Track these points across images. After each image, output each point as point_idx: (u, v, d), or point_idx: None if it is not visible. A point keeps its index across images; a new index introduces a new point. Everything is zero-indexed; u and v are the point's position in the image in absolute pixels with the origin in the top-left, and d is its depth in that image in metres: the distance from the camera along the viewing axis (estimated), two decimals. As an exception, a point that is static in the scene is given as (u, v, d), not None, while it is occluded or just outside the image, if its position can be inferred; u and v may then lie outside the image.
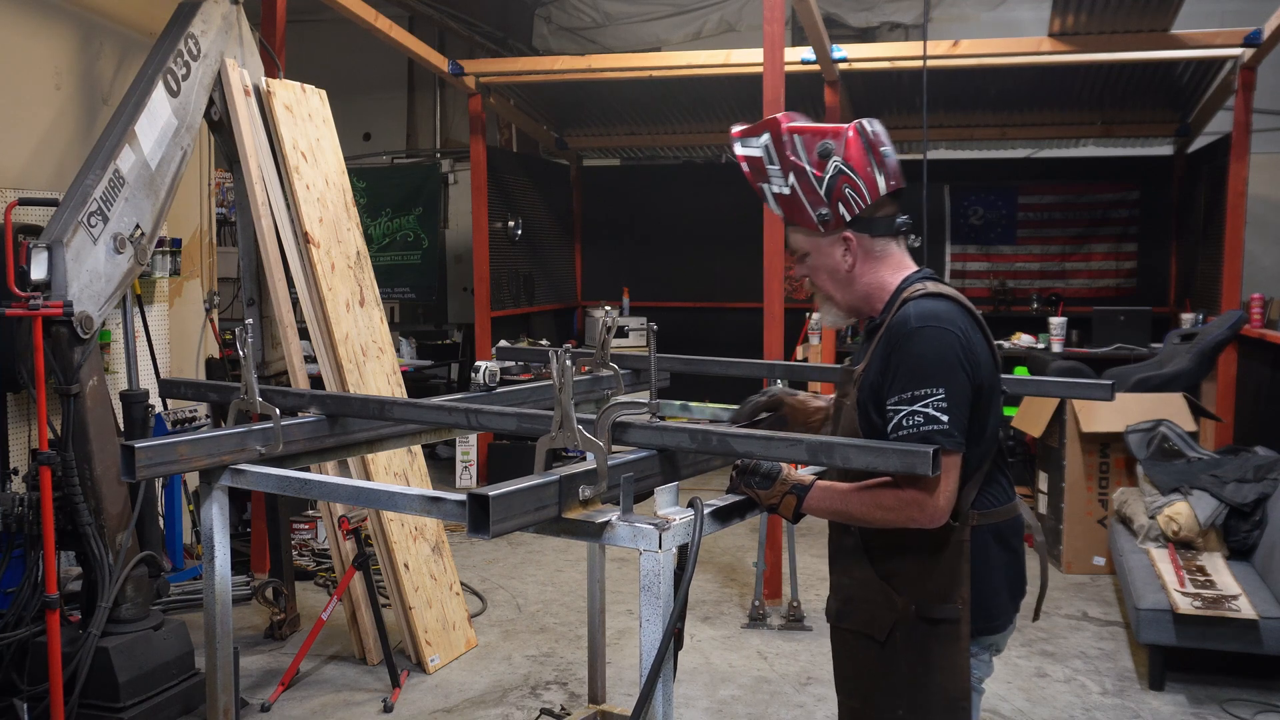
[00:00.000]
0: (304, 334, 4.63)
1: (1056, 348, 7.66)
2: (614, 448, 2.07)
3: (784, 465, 2.10)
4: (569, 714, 3.87)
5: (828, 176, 2.10)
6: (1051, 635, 4.88)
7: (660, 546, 1.87)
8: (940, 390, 1.96)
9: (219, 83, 4.42)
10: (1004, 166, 9.03)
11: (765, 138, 2.16)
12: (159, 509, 5.14)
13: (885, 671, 2.14)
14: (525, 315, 8.77)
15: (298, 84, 4.81)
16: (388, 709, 4.10)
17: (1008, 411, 6.10)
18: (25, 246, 3.63)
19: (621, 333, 8.52)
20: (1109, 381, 2.90)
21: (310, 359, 4.66)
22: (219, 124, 4.53)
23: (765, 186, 2.20)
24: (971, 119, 8.46)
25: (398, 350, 6.96)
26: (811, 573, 5.64)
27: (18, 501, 3.76)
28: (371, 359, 4.70)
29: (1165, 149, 8.60)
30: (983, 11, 9.14)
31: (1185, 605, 4.11)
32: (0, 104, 4.66)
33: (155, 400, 5.02)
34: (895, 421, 1.99)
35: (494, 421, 2.44)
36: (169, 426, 5.36)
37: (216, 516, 2.45)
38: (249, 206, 4.51)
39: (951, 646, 2.08)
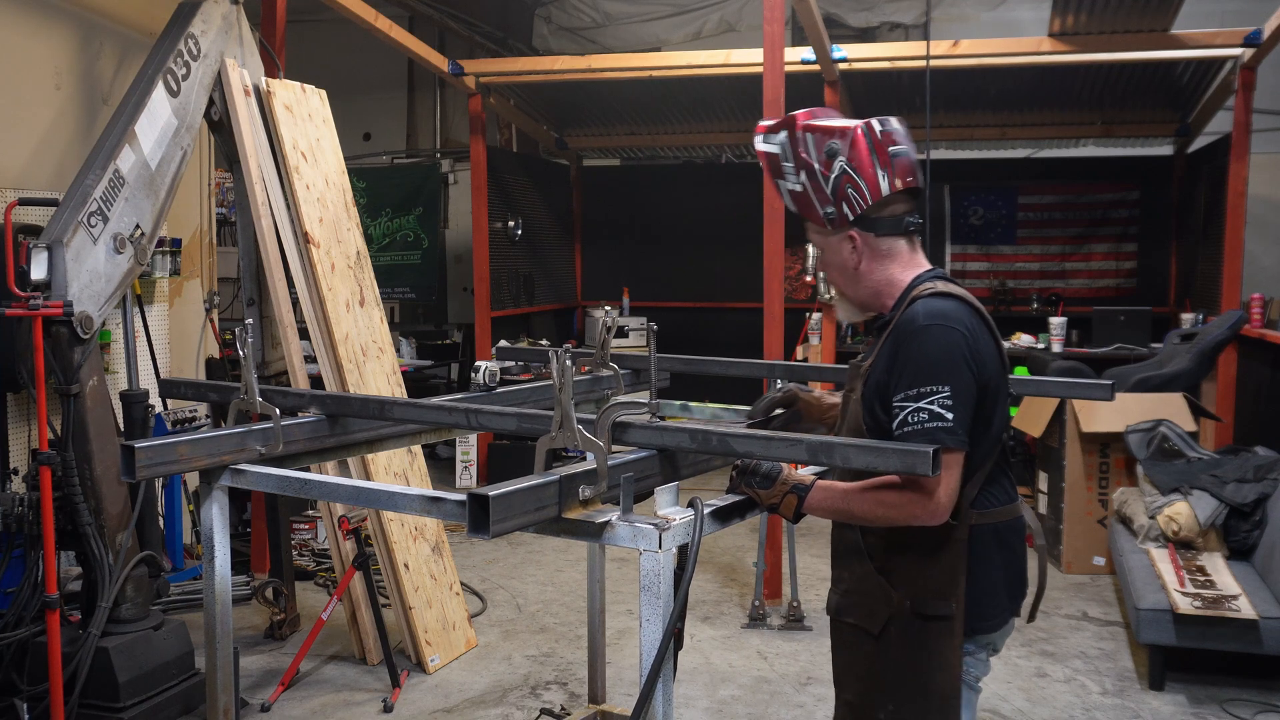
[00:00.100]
0: (304, 334, 4.63)
1: (1056, 348, 7.66)
2: (614, 448, 2.07)
3: (784, 465, 2.10)
4: (569, 714, 3.87)
5: (833, 176, 2.13)
6: (1051, 635, 4.88)
7: (660, 546, 1.87)
8: (946, 388, 1.98)
9: (219, 83, 4.42)
10: (1004, 166, 9.03)
11: (783, 135, 2.19)
12: (159, 509, 5.14)
13: (878, 666, 2.16)
14: (525, 315, 8.77)
15: (298, 84, 4.81)
16: (388, 709, 4.10)
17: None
18: (25, 246, 3.63)
19: (621, 333, 8.52)
20: (1109, 381, 2.90)
21: (310, 359, 4.66)
22: (219, 124, 4.53)
23: (781, 183, 2.22)
24: (971, 119, 8.45)
25: (398, 350, 6.96)
26: (811, 573, 5.64)
27: (18, 501, 3.76)
28: (371, 359, 4.70)
29: (1165, 149, 8.60)
30: (983, 11, 9.14)
31: (1185, 605, 4.11)
32: (0, 104, 4.66)
33: (155, 400, 5.02)
34: (901, 418, 2.00)
35: (494, 421, 2.44)
36: (169, 426, 5.36)
37: (216, 516, 2.45)
38: (249, 206, 4.51)
39: (945, 643, 2.10)
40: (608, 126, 9.33)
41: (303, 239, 4.53)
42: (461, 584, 5.02)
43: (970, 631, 2.13)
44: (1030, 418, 6.22)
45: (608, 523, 1.92)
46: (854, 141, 2.10)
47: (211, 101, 4.40)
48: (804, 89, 7.12)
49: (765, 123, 2.23)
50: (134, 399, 4.56)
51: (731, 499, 2.12)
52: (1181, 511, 4.84)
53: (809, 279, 8.03)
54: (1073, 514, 5.80)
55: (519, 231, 8.45)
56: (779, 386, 2.64)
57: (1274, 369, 6.13)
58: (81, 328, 3.61)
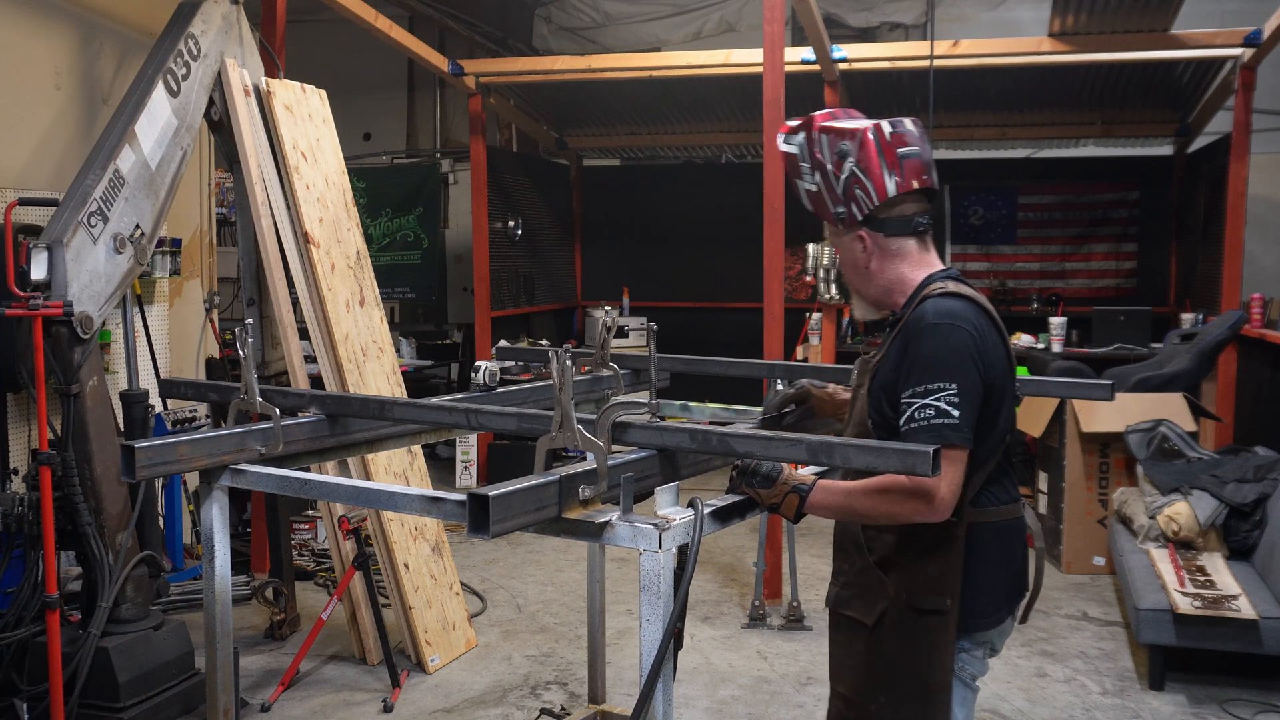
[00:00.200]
0: (304, 334, 4.63)
1: (1056, 348, 7.66)
2: (614, 448, 2.07)
3: (785, 465, 2.11)
4: (569, 714, 3.87)
5: (843, 177, 2.17)
6: (1051, 635, 4.88)
7: (660, 546, 1.87)
8: (953, 385, 2.01)
9: (219, 83, 4.42)
10: (1004, 166, 9.03)
11: (801, 136, 2.23)
12: (159, 509, 5.14)
13: (872, 658, 2.19)
14: (525, 315, 8.77)
15: (298, 84, 4.81)
16: (388, 709, 4.10)
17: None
18: (25, 246, 3.63)
19: (621, 333, 8.52)
20: (1109, 381, 2.91)
21: (310, 359, 4.66)
22: (219, 124, 4.52)
23: (799, 183, 2.27)
24: (971, 119, 8.45)
25: (398, 350, 6.96)
26: (811, 573, 5.64)
27: (18, 501, 3.76)
28: (371, 359, 4.70)
29: (1165, 149, 8.60)
30: (983, 11, 9.14)
31: (1185, 605, 4.11)
32: (0, 104, 4.66)
33: (155, 400, 5.02)
34: (908, 414, 2.03)
35: (494, 421, 2.44)
36: (169, 426, 5.36)
37: (216, 516, 2.45)
38: (249, 206, 4.51)
39: (937, 638, 2.13)
40: (608, 126, 9.33)
41: (303, 239, 4.53)
42: (461, 584, 5.02)
43: (967, 629, 2.15)
44: (1030, 418, 6.22)
45: (608, 523, 1.92)
46: (862, 143, 2.14)
47: (211, 101, 4.40)
48: (804, 89, 7.13)
49: (789, 123, 2.28)
50: (134, 399, 4.56)
51: (731, 499, 2.12)
52: (1181, 511, 4.84)
53: (809, 279, 8.02)
54: (1073, 514, 5.80)
55: (519, 231, 8.45)
56: (793, 382, 2.68)
57: (1274, 369, 6.13)
58: (81, 328, 3.61)
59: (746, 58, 6.82)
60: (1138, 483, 5.43)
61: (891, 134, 2.14)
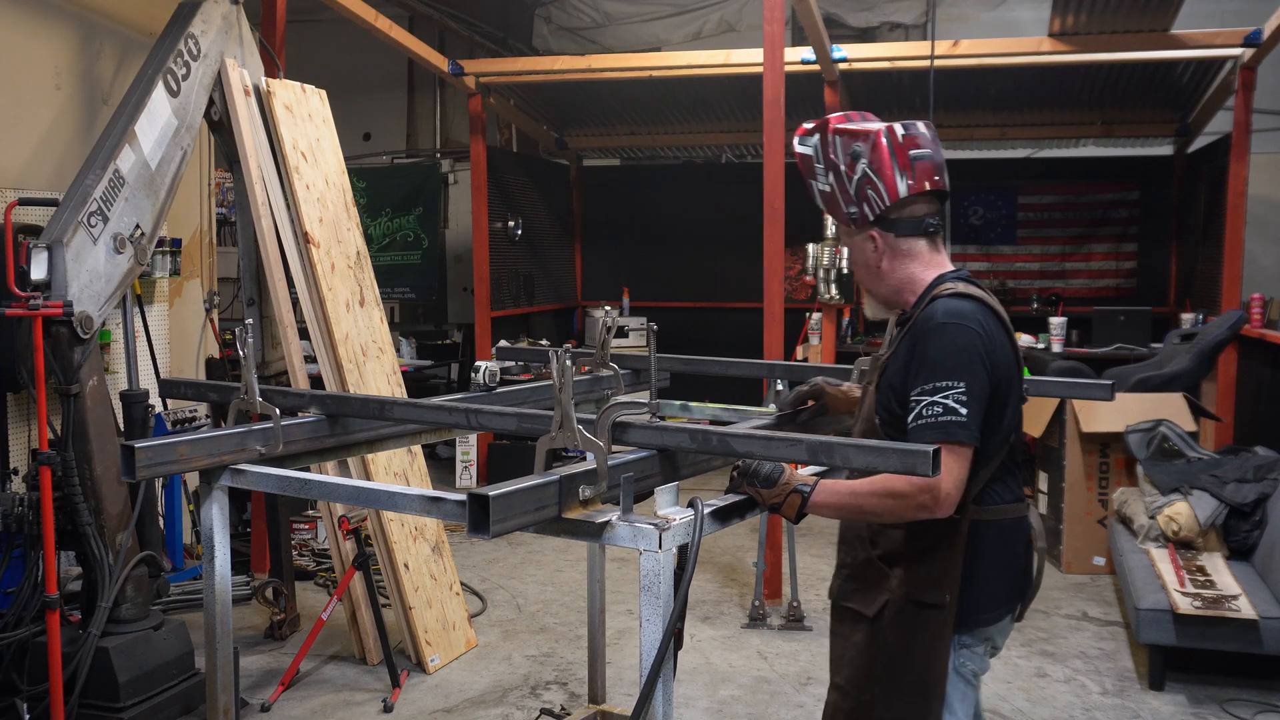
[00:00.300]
0: (304, 334, 4.63)
1: (1056, 348, 7.66)
2: (614, 448, 2.07)
3: (785, 466, 2.12)
4: (569, 714, 3.87)
5: (856, 177, 2.21)
6: (1051, 635, 4.88)
7: (660, 546, 1.87)
8: (961, 384, 2.04)
9: (219, 83, 4.42)
10: (1004, 166, 9.03)
11: (816, 138, 2.27)
12: (159, 509, 5.14)
13: (871, 650, 2.23)
14: (525, 315, 8.77)
15: (298, 84, 4.81)
16: (388, 709, 4.10)
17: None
18: (25, 246, 3.63)
19: (621, 333, 8.52)
20: (1109, 381, 2.92)
21: (310, 359, 4.66)
22: (219, 124, 4.52)
23: (813, 183, 2.31)
24: (971, 119, 8.45)
25: (398, 350, 6.96)
26: (811, 573, 5.64)
27: (18, 501, 3.76)
28: (371, 359, 4.70)
29: (1165, 149, 8.60)
30: (983, 11, 9.14)
31: (1185, 605, 4.11)
32: (0, 104, 4.66)
33: (155, 400, 5.01)
34: (916, 411, 2.07)
35: (494, 421, 2.44)
36: (169, 426, 5.36)
37: (216, 516, 2.45)
38: (249, 206, 4.51)
39: (935, 632, 2.16)
40: (608, 126, 9.33)
41: (303, 239, 4.53)
42: (461, 584, 5.02)
43: (967, 624, 2.18)
44: (1030, 418, 6.20)
45: (608, 523, 1.93)
46: (875, 144, 2.18)
47: (211, 101, 4.40)
48: (804, 89, 7.13)
49: (805, 125, 2.32)
50: (134, 399, 4.56)
51: (732, 499, 2.12)
52: (1181, 511, 4.84)
53: (809, 279, 8.03)
54: (1073, 514, 5.80)
55: (519, 231, 8.45)
56: (808, 380, 2.73)
57: (1274, 369, 6.13)
58: (81, 328, 3.61)
59: (746, 58, 6.82)
60: (1138, 483, 5.43)
61: (904, 136, 2.18)
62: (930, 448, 1.81)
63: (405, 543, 4.56)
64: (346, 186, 4.89)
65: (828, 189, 2.28)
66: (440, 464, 8.29)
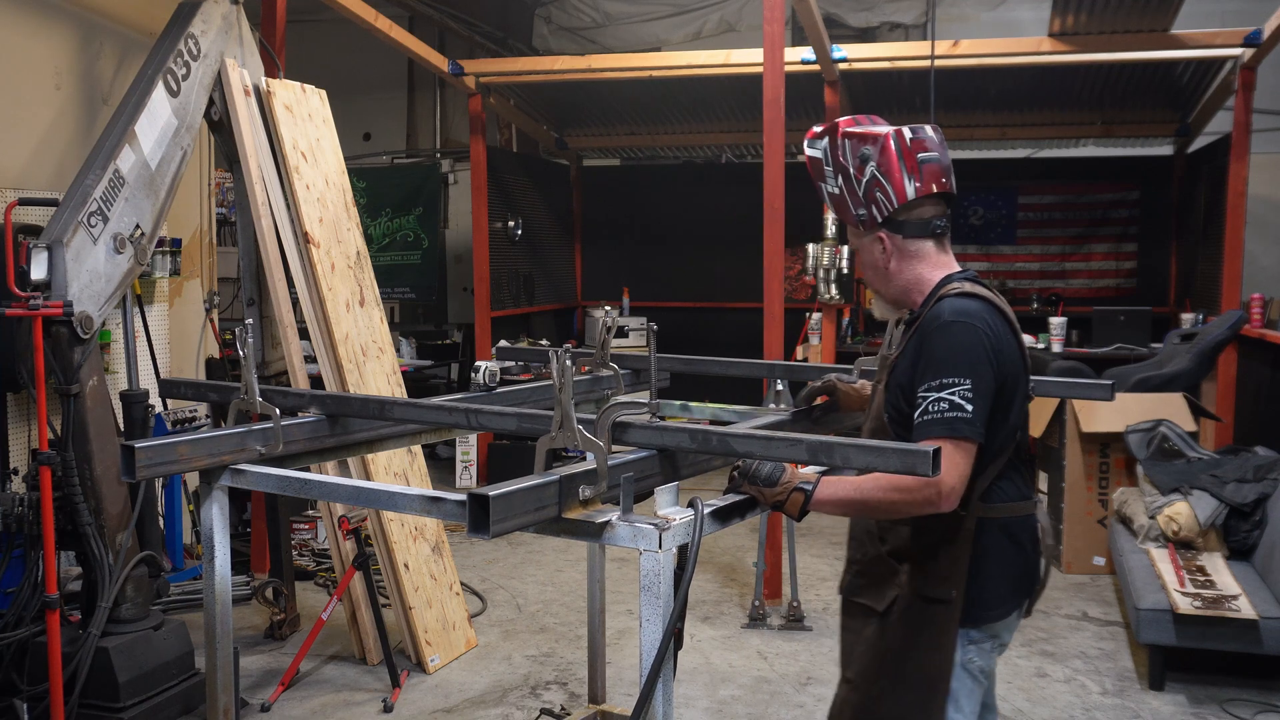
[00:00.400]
0: (304, 334, 4.63)
1: (1056, 348, 7.67)
2: (614, 448, 2.07)
3: (786, 465, 2.12)
4: (569, 714, 3.87)
5: (865, 180, 2.24)
6: (1051, 635, 4.88)
7: (660, 546, 1.87)
8: (967, 381, 2.07)
9: (219, 83, 4.42)
10: (1004, 166, 9.04)
11: (825, 140, 2.31)
12: (159, 509, 5.14)
13: (880, 644, 2.25)
14: (525, 315, 8.77)
15: (298, 84, 4.81)
16: (388, 709, 4.10)
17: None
18: (25, 246, 3.63)
19: (621, 333, 8.52)
20: (1109, 381, 2.92)
21: (310, 359, 4.66)
22: (219, 124, 4.52)
23: (822, 185, 2.35)
24: (971, 119, 8.46)
25: (398, 350, 6.96)
26: (811, 573, 5.64)
27: (18, 501, 3.76)
28: (371, 359, 4.70)
29: (1165, 149, 8.60)
30: (983, 11, 9.14)
31: (1185, 605, 4.11)
32: (0, 104, 4.66)
33: (155, 400, 5.01)
34: (923, 407, 2.09)
35: (494, 421, 2.44)
36: (169, 426, 5.36)
37: (216, 516, 2.45)
38: (249, 206, 4.51)
39: (941, 628, 2.18)
40: (608, 126, 9.33)
41: (303, 239, 4.53)
42: (461, 584, 5.02)
43: (974, 620, 2.20)
44: (1030, 418, 6.21)
45: (608, 523, 1.93)
46: (884, 148, 2.21)
47: (211, 101, 4.40)
48: (804, 89, 7.13)
49: (814, 129, 2.35)
50: (134, 399, 4.56)
51: (732, 498, 2.13)
52: (1181, 511, 4.84)
53: (809, 279, 8.03)
54: (1073, 514, 5.80)
55: (519, 231, 8.45)
56: (821, 377, 2.77)
57: (1274, 369, 6.13)
58: (81, 328, 3.61)
59: (746, 58, 6.82)
60: (1138, 483, 5.43)
61: (912, 139, 2.21)
62: (930, 448, 1.82)
63: (405, 543, 4.56)
64: (346, 186, 4.89)
65: (837, 191, 2.30)
66: (440, 464, 8.29)
